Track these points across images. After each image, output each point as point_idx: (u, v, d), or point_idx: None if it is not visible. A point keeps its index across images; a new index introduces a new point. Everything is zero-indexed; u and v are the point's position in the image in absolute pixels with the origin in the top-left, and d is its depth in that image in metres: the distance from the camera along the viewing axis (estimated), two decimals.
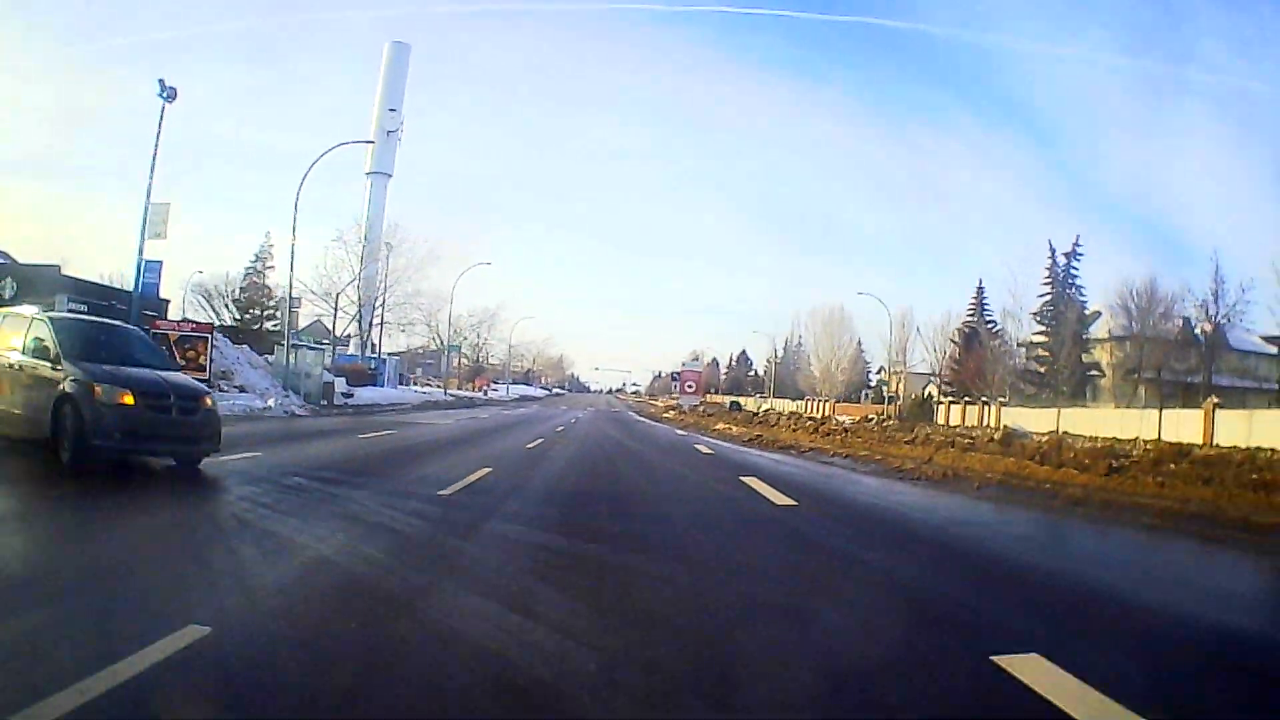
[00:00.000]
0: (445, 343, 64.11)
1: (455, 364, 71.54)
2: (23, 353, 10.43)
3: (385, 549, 5.79)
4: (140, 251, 26.74)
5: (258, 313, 56.33)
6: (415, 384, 64.90)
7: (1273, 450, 13.01)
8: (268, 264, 56.49)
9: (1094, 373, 54.00)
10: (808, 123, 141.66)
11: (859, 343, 73.89)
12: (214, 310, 60.21)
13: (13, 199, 79.10)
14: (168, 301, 54.86)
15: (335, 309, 43.31)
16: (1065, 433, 29.14)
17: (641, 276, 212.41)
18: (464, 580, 5.08)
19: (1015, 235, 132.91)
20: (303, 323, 55.79)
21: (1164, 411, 37.86)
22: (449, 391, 59.81)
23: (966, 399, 53.52)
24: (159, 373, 10.53)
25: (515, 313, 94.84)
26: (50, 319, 10.98)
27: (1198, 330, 47.27)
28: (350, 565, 5.25)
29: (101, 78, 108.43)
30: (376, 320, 50.35)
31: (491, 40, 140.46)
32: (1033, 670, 3.59)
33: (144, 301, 27.35)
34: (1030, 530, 9.17)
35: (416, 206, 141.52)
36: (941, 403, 56.67)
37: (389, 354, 55.89)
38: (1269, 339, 45.25)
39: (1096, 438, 22.64)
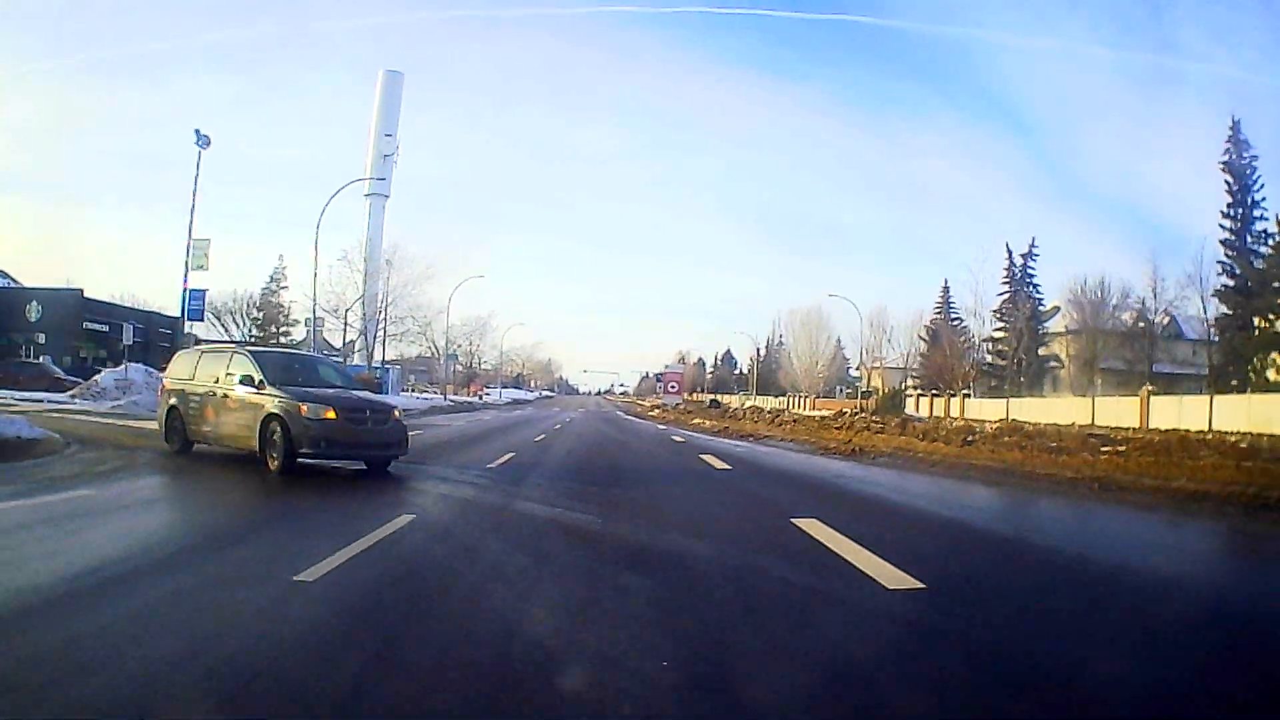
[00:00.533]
0: (443, 352, 67.87)
1: (451, 371, 75.16)
2: (229, 382, 12.59)
3: (474, 489, 10.00)
4: (185, 280, 30.63)
5: (274, 329, 60.12)
6: (413, 390, 68.66)
7: (1164, 430, 17.10)
8: (281, 284, 60.28)
9: (1054, 364, 57.68)
10: (788, 121, 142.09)
11: (838, 341, 77.42)
12: (223, 326, 64.01)
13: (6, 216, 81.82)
14: (178, 318, 58.57)
15: (345, 324, 46.99)
16: (1013, 420, 33.15)
17: (628, 278, 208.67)
18: (525, 501, 9.07)
19: (992, 229, 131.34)
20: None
21: (1106, 399, 41.93)
22: (448, 397, 63.60)
23: (934, 392, 57.43)
24: (354, 392, 12.88)
25: (505, 320, 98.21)
26: (251, 352, 13.40)
27: (1156, 321, 50.85)
28: (463, 495, 9.45)
29: (87, 89, 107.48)
30: (378, 332, 54.12)
31: (470, 45, 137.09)
32: (812, 526, 7.53)
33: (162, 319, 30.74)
34: (865, 474, 13.42)
35: (406, 214, 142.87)
36: (911, 395, 60.46)
37: (389, 363, 59.66)
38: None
39: (1040, 423, 26.66)
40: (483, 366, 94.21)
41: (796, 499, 10.20)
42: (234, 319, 64.38)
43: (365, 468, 12.02)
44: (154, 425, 16.11)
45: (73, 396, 26.14)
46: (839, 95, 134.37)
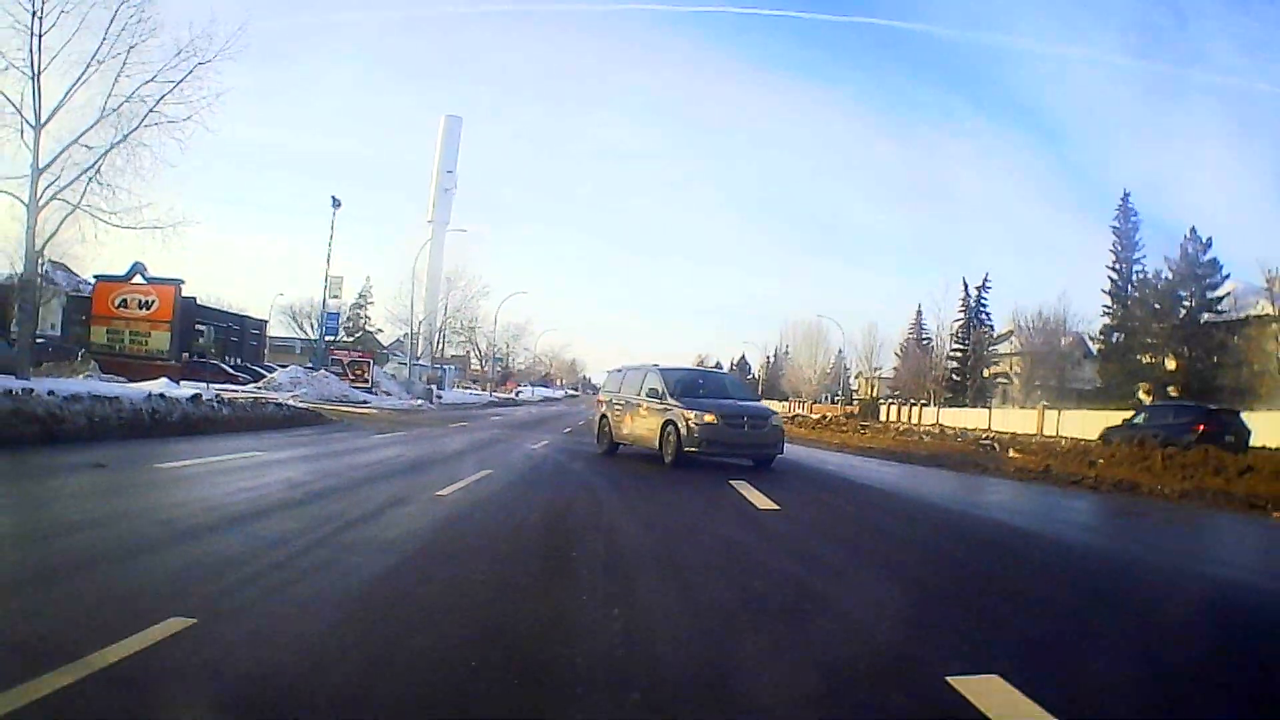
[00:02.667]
0: (487, 355, 79.86)
1: (493, 371, 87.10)
2: (645, 394, 16.11)
3: (561, 447, 20.35)
4: (324, 305, 42.72)
5: (359, 336, 72.18)
6: (460, 387, 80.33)
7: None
8: (369, 300, 72.34)
9: (1002, 380, 68.64)
10: (817, 124, 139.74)
11: (840, 351, 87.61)
12: (301, 329, 75.93)
13: None
14: (265, 321, 70.16)
15: (414, 334, 58.80)
16: (940, 424, 44.97)
17: (652, 278, 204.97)
18: (589, 434, 20.50)
19: (1013, 235, 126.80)
20: (386, 341, 71.61)
21: (1016, 411, 53.44)
22: (492, 394, 75.44)
23: (905, 401, 68.41)
24: (737, 401, 15.57)
25: (539, 325, 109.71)
26: (660, 370, 16.72)
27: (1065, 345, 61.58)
28: (577, 429, 21.44)
29: None
30: (438, 339, 65.87)
31: (501, 41, 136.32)
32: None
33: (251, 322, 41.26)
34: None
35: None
36: (883, 403, 71.46)
37: (445, 363, 71.62)
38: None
39: (958, 427, 38.16)
40: (517, 366, 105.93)
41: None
42: (309, 323, 76.24)
43: (751, 463, 14.92)
44: (341, 408, 27.39)
45: (258, 389, 37.12)
46: (868, 99, 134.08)
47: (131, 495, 8.39)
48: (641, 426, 16.18)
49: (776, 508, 9.63)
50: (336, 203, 42.82)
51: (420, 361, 51.12)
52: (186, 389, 23.17)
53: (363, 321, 72.70)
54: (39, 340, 30.04)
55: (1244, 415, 24.05)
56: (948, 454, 19.94)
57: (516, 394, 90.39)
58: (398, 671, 3.53)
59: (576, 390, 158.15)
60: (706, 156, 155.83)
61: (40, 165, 21.71)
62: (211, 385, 30.24)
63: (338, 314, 44.80)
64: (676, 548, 7.00)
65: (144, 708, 3.15)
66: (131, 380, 25.52)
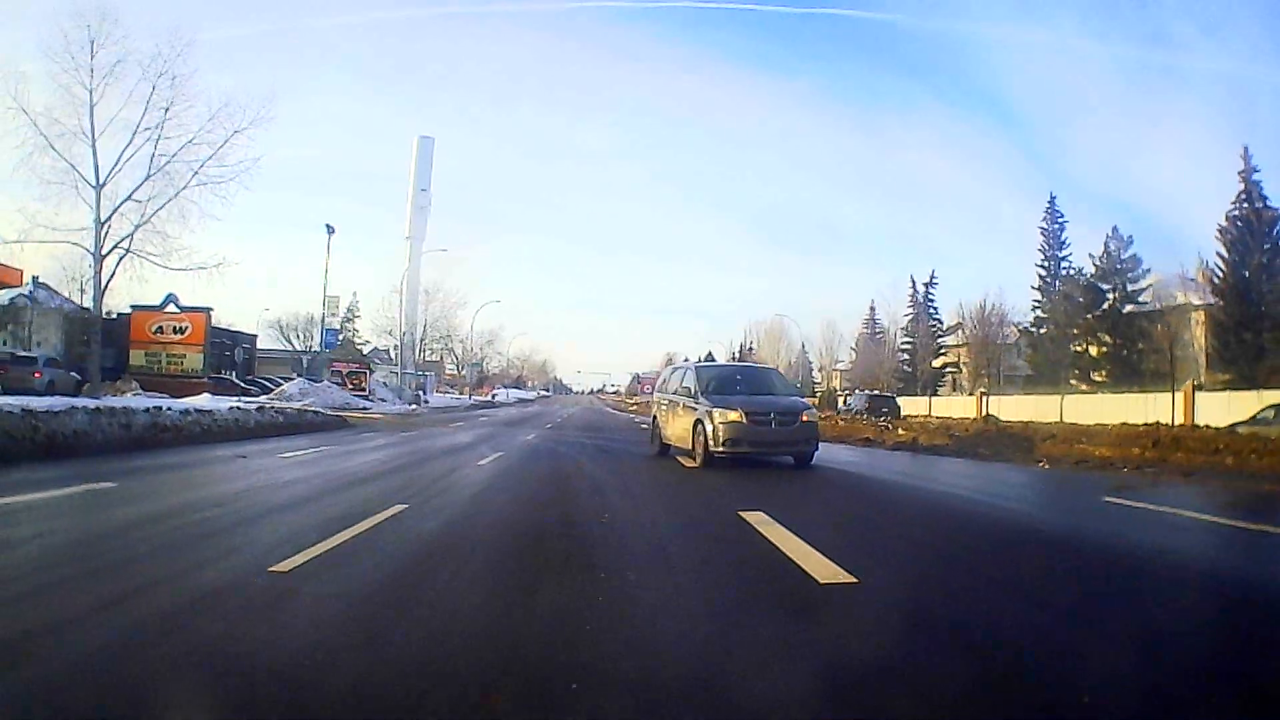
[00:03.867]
0: (465, 361, 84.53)
1: (473, 376, 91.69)
2: (681, 393, 15.61)
3: (547, 438, 25.92)
4: (323, 323, 47.23)
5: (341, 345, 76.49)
6: (437, 392, 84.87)
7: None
8: (356, 314, 76.74)
9: (952, 370, 73.76)
10: (778, 117, 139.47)
11: (802, 346, 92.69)
12: (289, 341, 79.97)
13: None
14: (255, 336, 74.10)
15: (400, 345, 63.29)
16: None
17: (619, 277, 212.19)
18: (567, 428, 25.64)
19: (981, 222, 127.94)
20: (367, 350, 76.02)
21: (957, 398, 58.70)
22: (471, 397, 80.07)
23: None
24: (770, 397, 14.62)
25: (510, 329, 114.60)
26: (695, 367, 16.74)
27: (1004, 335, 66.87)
28: (557, 424, 26.13)
29: None
30: (419, 347, 70.52)
31: (459, 42, 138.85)
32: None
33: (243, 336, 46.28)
34: None
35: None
36: (840, 395, 76.51)
37: (425, 369, 76.30)
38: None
39: (908, 415, 42.86)
40: (491, 370, 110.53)
41: (630, 420, 26.48)
42: (295, 335, 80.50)
43: (793, 461, 14.20)
44: (350, 414, 31.95)
45: (270, 399, 41.32)
46: (829, 90, 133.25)
47: (296, 467, 12.96)
48: (679, 426, 15.64)
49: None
50: (330, 229, 47.36)
51: (408, 370, 55.67)
52: (223, 402, 27.60)
53: (352, 335, 76.98)
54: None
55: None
56: (850, 434, 24.71)
57: (493, 397, 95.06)
58: (499, 519, 8.26)
59: (548, 391, 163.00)
60: (667, 154, 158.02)
61: (102, 219, 26.24)
62: (231, 398, 34.38)
63: (337, 330, 49.29)
64: (628, 484, 11.69)
65: (396, 540, 7.32)
66: (173, 396, 29.64)
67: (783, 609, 4.73)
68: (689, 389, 15.31)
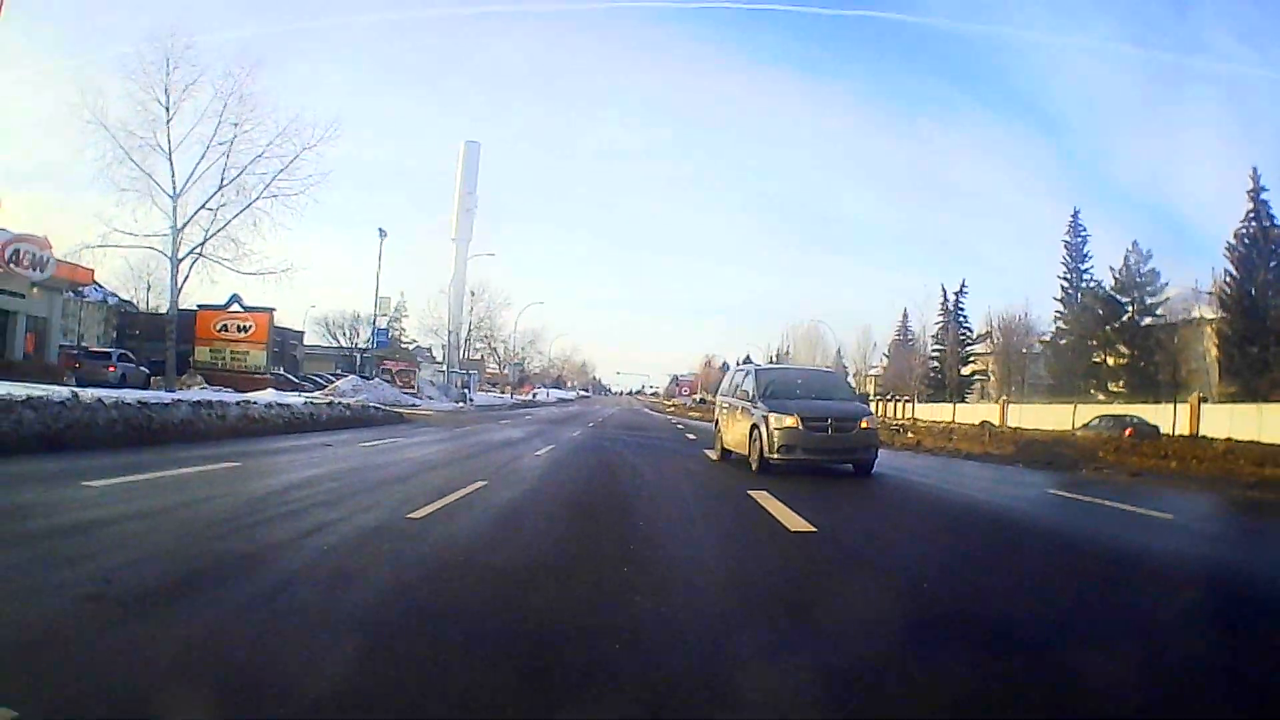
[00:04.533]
0: (506, 361, 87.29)
1: (513, 375, 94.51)
2: (740, 396, 15.43)
3: (591, 435, 28.62)
4: (374, 323, 49.91)
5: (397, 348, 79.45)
6: (480, 390, 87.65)
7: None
8: (404, 314, 79.61)
9: (981, 378, 75.47)
10: (818, 120, 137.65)
11: (838, 351, 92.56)
12: (335, 339, 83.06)
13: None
14: (303, 333, 77.01)
15: (448, 345, 65.96)
16: (915, 418, 51.82)
17: (658, 278, 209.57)
18: (609, 426, 28.07)
19: (1017, 227, 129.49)
20: (411, 348, 78.86)
21: (981, 405, 60.40)
22: (513, 396, 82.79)
23: (890, 397, 75.28)
24: (828, 403, 14.14)
25: (552, 329, 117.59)
26: (755, 369, 16.30)
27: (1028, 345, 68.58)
28: (599, 423, 28.61)
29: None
30: (464, 346, 73.23)
31: (501, 40, 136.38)
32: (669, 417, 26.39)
33: (291, 333, 49.38)
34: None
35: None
36: (872, 400, 78.19)
37: (469, 368, 79.11)
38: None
39: (925, 420, 44.82)
40: (532, 370, 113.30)
41: (668, 422, 28.69)
42: (341, 333, 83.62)
43: (852, 470, 13.66)
44: (403, 410, 34.42)
45: (327, 394, 43.70)
46: (870, 94, 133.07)
47: (380, 454, 15.28)
48: (738, 431, 15.28)
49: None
50: (383, 233, 49.96)
51: (455, 369, 58.39)
52: (296, 398, 30.12)
53: (399, 333, 79.84)
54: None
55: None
56: None
57: (533, 396, 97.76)
58: (560, 492, 10.62)
59: (587, 391, 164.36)
60: (708, 154, 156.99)
61: (178, 226, 28.81)
62: (291, 393, 36.92)
63: (387, 330, 52.00)
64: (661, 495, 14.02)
65: (485, 504, 9.58)
66: (238, 391, 32.01)
67: (761, 545, 7.15)
68: (748, 392, 15.05)
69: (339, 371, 55.69)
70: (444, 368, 64.35)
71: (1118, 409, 44.71)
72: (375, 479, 10.95)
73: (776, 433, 13.11)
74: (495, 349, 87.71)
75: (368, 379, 47.23)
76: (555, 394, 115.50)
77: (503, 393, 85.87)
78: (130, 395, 17.68)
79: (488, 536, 6.94)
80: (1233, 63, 63.62)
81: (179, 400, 18.38)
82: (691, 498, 10.33)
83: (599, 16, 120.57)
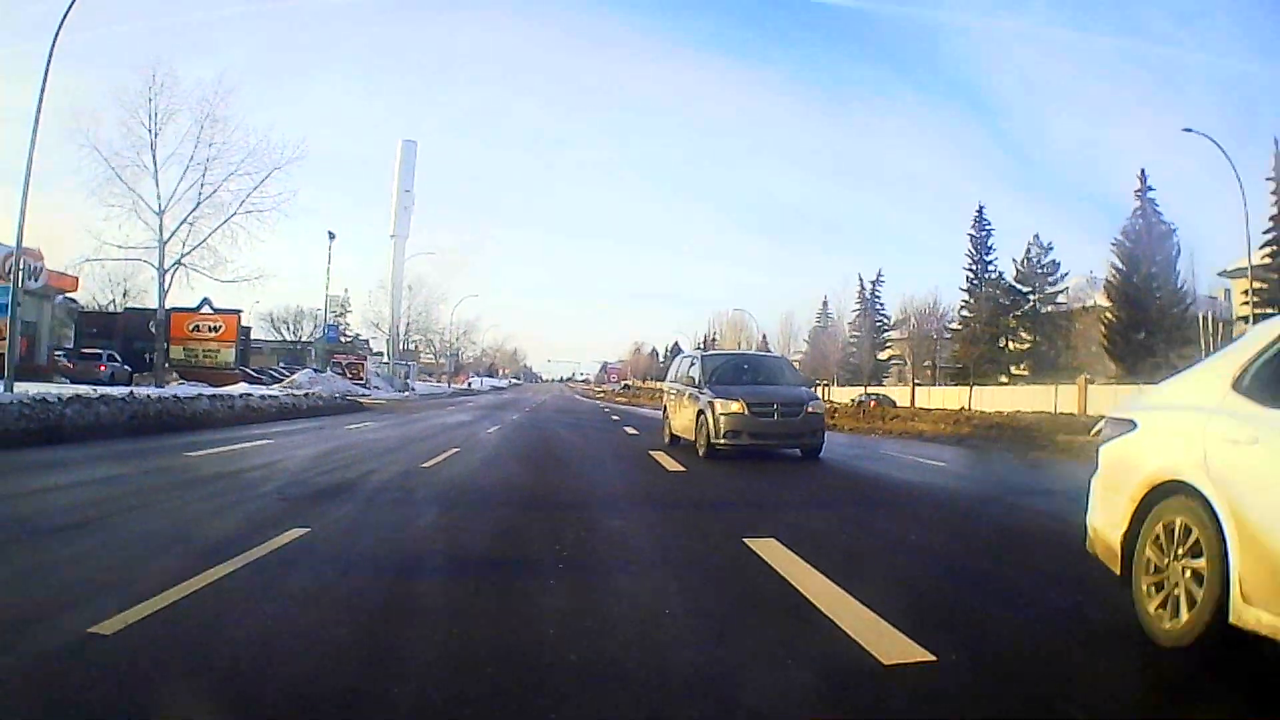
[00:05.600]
0: (446, 351, 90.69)
1: (449, 365, 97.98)
2: (686, 383, 15.53)
3: (529, 418, 32.89)
4: (325, 320, 53.38)
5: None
6: (420, 379, 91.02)
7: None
8: (348, 308, 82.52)
9: (897, 362, 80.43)
10: (748, 104, 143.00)
11: (764, 337, 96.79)
12: (279, 332, 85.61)
13: None
14: (249, 328, 79.24)
15: (390, 338, 69.29)
16: (832, 401, 56.38)
17: (590, 265, 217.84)
18: (543, 411, 32.19)
19: (951, 210, 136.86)
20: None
21: (896, 387, 65.41)
22: (450, 385, 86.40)
23: (814, 382, 79.94)
24: (774, 388, 14.42)
25: (485, 320, 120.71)
26: (701, 356, 15.96)
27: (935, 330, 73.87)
28: (534, 408, 32.66)
29: None
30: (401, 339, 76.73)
31: (427, 26, 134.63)
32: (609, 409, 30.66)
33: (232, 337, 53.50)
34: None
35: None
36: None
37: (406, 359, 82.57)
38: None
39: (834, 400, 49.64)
40: (465, 360, 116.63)
41: (629, 418, 32.84)
42: (285, 327, 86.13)
43: (800, 454, 13.98)
44: (357, 400, 38.12)
45: (284, 388, 46.69)
46: (800, 78, 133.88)
47: (367, 433, 19.00)
48: (684, 417, 15.36)
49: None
50: (332, 236, 53.44)
51: (395, 360, 62.04)
52: (271, 390, 33.72)
53: (343, 327, 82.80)
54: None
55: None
56: None
57: (468, 385, 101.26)
58: (514, 452, 14.86)
59: (519, 379, 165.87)
60: (637, 140, 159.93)
61: (164, 239, 32.19)
62: (261, 387, 40.30)
63: (336, 325, 55.47)
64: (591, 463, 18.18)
65: (465, 460, 13.74)
66: (212, 385, 35.15)
67: (646, 475, 11.58)
68: (694, 379, 15.04)
69: (290, 366, 58.55)
70: (385, 359, 67.66)
71: (1017, 390, 50.27)
72: (379, 449, 14.85)
73: (722, 418, 13.26)
74: (431, 340, 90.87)
75: (320, 372, 50.43)
76: (489, 382, 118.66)
77: (438, 382, 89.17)
78: (166, 391, 21.50)
79: (476, 474, 11.19)
80: (1167, 46, 66.14)
81: (200, 394, 22.14)
82: (609, 458, 14.56)
83: (528, 2, 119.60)
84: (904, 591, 4.84)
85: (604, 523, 7.48)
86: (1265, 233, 41.32)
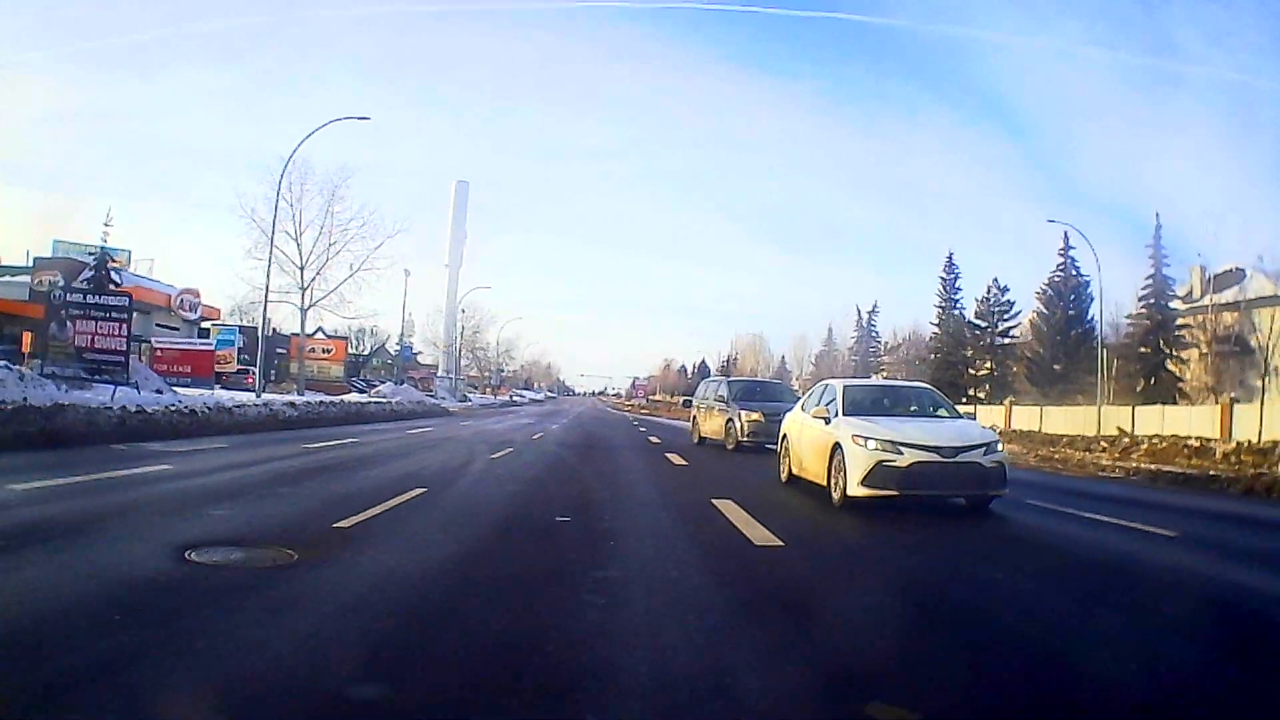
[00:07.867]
0: (492, 366, 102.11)
1: (494, 379, 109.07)
2: (715, 399, 22.06)
3: (571, 420, 42.80)
4: (401, 339, 64.82)
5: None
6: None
7: None
8: (411, 332, 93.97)
9: None
10: (781, 119, 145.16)
11: (782, 359, 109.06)
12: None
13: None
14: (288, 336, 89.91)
15: (457, 356, 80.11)
16: None
17: (622, 279, 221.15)
18: (583, 419, 42.47)
19: (981, 228, 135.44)
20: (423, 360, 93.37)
21: None
22: (497, 397, 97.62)
23: None
24: (779, 403, 18.97)
25: (525, 338, 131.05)
26: (728, 381, 23.02)
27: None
28: (574, 417, 43.44)
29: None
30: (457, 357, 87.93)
31: (461, 40, 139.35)
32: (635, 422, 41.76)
33: (280, 338, 64.73)
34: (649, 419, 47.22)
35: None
36: None
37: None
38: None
39: None
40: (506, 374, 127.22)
41: (653, 429, 43.66)
42: (350, 342, 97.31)
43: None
44: (450, 408, 49.14)
45: (375, 397, 57.41)
46: (832, 94, 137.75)
47: (471, 428, 29.95)
48: (714, 423, 20.60)
49: (682, 462, 22.95)
50: (407, 274, 64.64)
51: (457, 376, 73.60)
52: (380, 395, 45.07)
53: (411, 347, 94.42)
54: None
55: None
56: None
57: (511, 397, 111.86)
58: (572, 440, 25.60)
59: (554, 393, 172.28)
60: (668, 155, 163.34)
61: (304, 287, 43.75)
62: (365, 395, 51.49)
63: (410, 346, 66.96)
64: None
65: (540, 447, 24.18)
66: (329, 395, 46.08)
67: (660, 467, 22.64)
68: (722, 396, 21.04)
69: (355, 380, 69.66)
70: (442, 374, 78.91)
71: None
72: (494, 438, 25.05)
73: (747, 423, 18.91)
74: (478, 356, 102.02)
75: (399, 384, 61.67)
76: (527, 395, 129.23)
77: (483, 394, 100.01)
78: (285, 399, 32.41)
79: (556, 452, 21.33)
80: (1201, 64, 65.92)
81: (331, 401, 33.33)
82: (642, 450, 23.52)
83: (559, 15, 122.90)
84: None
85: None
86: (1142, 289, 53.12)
